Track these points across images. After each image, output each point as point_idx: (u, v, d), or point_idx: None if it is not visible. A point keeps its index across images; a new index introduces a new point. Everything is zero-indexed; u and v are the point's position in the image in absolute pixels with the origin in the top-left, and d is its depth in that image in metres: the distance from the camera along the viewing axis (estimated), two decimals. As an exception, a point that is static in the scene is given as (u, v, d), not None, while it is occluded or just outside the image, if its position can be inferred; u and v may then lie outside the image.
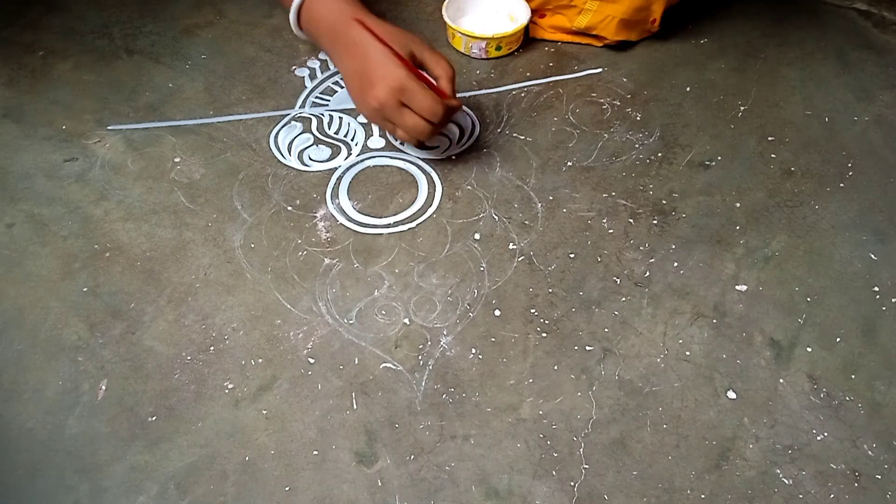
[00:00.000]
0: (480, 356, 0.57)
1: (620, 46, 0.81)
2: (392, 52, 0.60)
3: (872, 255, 0.64)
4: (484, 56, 0.80)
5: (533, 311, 0.59)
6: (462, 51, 0.80)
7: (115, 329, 0.58)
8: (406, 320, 0.59)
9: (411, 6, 0.87)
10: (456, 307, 0.59)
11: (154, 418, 0.53)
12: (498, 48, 0.79)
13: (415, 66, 0.62)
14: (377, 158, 0.71)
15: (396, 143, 0.71)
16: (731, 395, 0.55)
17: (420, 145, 0.70)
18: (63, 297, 0.59)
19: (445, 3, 0.80)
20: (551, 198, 0.67)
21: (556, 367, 0.56)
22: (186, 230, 0.64)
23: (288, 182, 0.68)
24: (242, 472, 0.50)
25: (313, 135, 0.72)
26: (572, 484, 0.50)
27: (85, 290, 0.60)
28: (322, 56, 0.80)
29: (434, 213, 0.66)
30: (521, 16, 0.79)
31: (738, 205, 0.67)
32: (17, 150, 0.70)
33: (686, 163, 0.71)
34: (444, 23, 0.79)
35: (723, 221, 0.66)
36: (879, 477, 0.51)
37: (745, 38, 0.85)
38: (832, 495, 0.50)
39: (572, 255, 0.63)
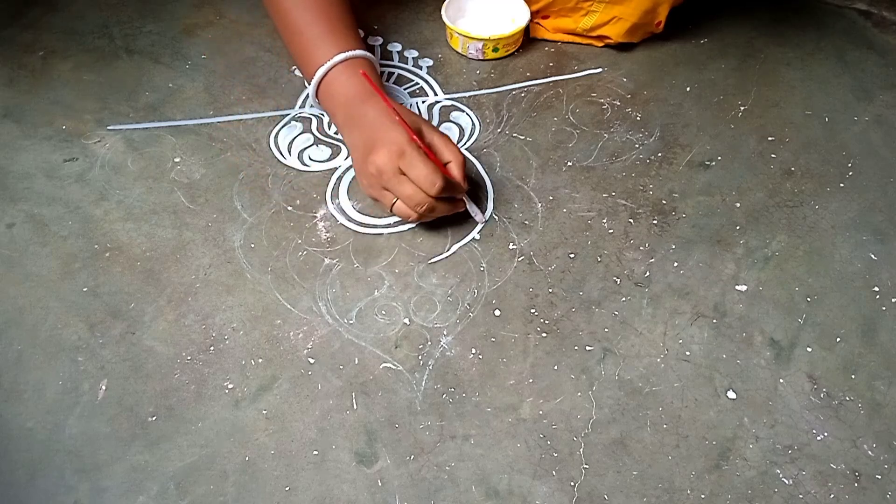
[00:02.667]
0: (480, 356, 0.57)
1: (621, 46, 0.81)
2: (400, 119, 0.59)
3: (872, 255, 0.64)
4: (481, 57, 0.80)
5: (533, 311, 0.59)
6: (459, 51, 0.81)
7: (115, 329, 0.58)
8: (406, 320, 0.59)
9: (411, 6, 0.87)
10: (456, 307, 0.59)
11: (154, 418, 0.53)
12: (495, 49, 0.79)
13: (424, 146, 0.59)
14: (377, 158, 0.70)
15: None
16: (731, 395, 0.55)
17: (421, 223, 0.64)
18: (63, 297, 0.59)
19: (445, 4, 0.80)
20: (551, 198, 0.67)
21: (556, 367, 0.56)
22: (186, 230, 0.64)
23: (288, 182, 0.68)
24: (242, 472, 0.50)
25: (313, 135, 0.72)
26: (572, 484, 0.50)
27: (85, 290, 0.60)
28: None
29: (434, 213, 0.66)
30: (521, 18, 0.79)
31: (738, 205, 0.67)
32: (17, 150, 0.70)
33: (686, 163, 0.71)
34: (444, 23, 0.79)
35: (723, 221, 0.66)
36: (879, 477, 0.51)
37: (745, 38, 0.85)
38: (832, 495, 0.50)
39: (572, 255, 0.63)
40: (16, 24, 0.83)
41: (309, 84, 0.66)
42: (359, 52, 0.65)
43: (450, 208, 0.62)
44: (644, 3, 0.76)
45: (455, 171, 0.60)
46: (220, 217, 0.65)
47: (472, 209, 0.64)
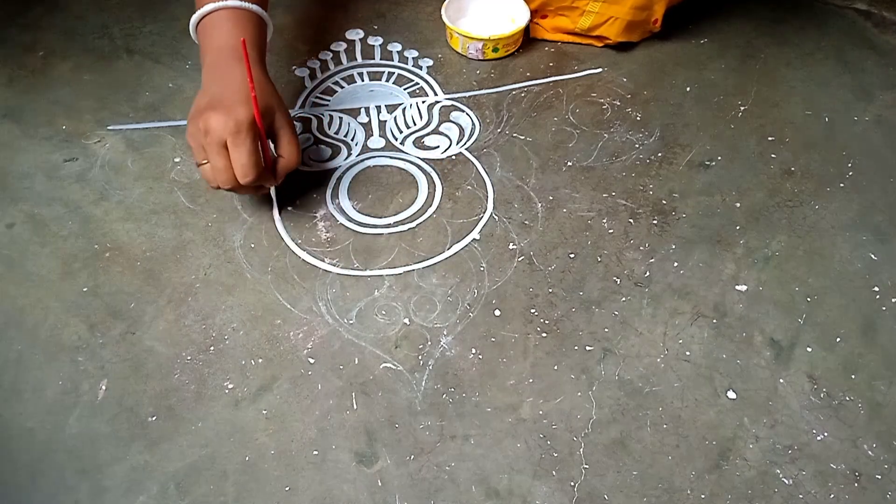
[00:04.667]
0: (480, 356, 0.57)
1: (620, 46, 0.81)
2: (254, 100, 0.55)
3: (872, 255, 0.64)
4: (481, 57, 0.80)
5: (533, 311, 0.59)
6: (459, 51, 0.81)
7: (115, 329, 0.58)
8: (406, 320, 0.59)
9: (411, 6, 0.87)
10: (456, 307, 0.59)
11: (154, 418, 0.53)
12: (495, 49, 0.79)
13: (266, 132, 0.58)
14: (377, 158, 0.71)
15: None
16: (731, 395, 0.55)
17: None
18: (63, 297, 0.59)
19: (445, 4, 0.80)
20: (551, 198, 0.67)
21: (556, 367, 0.56)
22: (186, 230, 0.64)
23: (288, 182, 0.68)
24: (242, 472, 0.50)
25: (313, 135, 0.72)
26: (572, 484, 0.50)
27: (85, 290, 0.60)
28: (322, 56, 0.80)
29: (434, 213, 0.66)
30: (521, 18, 0.79)
31: (738, 205, 0.67)
32: (17, 150, 0.70)
33: (686, 163, 0.71)
34: (444, 23, 0.79)
35: (723, 221, 0.66)
36: (879, 477, 0.51)
37: (745, 38, 0.85)
38: (832, 495, 0.50)
39: (572, 255, 0.63)
40: (16, 24, 0.83)
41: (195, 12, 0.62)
42: (255, 7, 0.62)
43: (252, 191, 0.61)
44: (638, 1, 0.76)
45: (280, 167, 0.60)
46: (220, 217, 0.65)
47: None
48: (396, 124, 0.74)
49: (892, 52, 0.83)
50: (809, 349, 0.58)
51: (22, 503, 0.49)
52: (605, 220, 0.66)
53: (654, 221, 0.66)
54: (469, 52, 0.80)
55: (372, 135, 0.73)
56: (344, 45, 0.82)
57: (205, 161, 0.57)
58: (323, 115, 0.74)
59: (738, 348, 0.57)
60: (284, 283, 0.60)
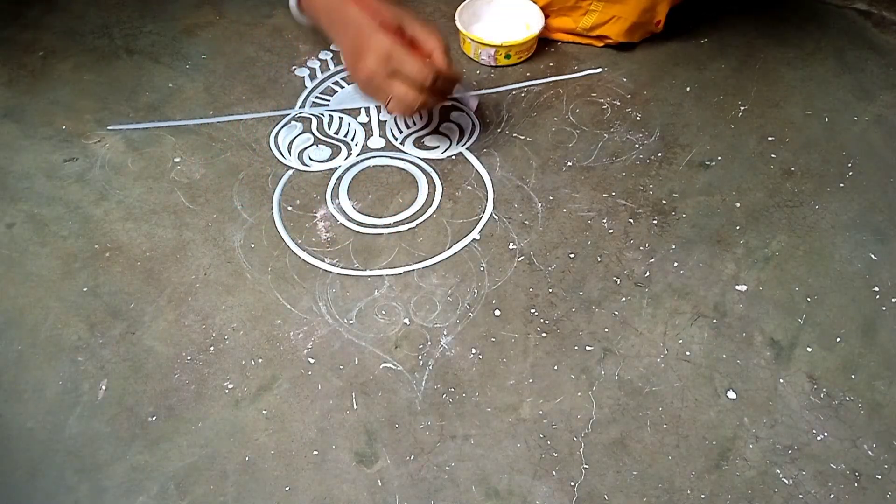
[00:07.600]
0: (480, 356, 0.57)
1: (621, 46, 0.81)
2: (379, 23, 0.60)
3: (872, 255, 0.64)
4: (493, 63, 0.79)
5: (533, 311, 0.59)
6: (472, 57, 0.80)
7: (115, 329, 0.58)
8: (406, 320, 0.59)
9: (411, 6, 0.87)
10: (456, 307, 0.59)
11: (154, 418, 0.53)
12: (507, 56, 0.78)
13: (406, 41, 0.62)
14: (377, 158, 0.71)
15: (392, 125, 0.69)
16: (731, 395, 0.55)
17: (418, 122, 0.68)
18: (63, 297, 0.59)
19: (459, 9, 0.79)
20: (551, 198, 0.67)
21: (556, 367, 0.56)
22: (186, 230, 0.64)
23: (288, 182, 0.68)
24: (242, 472, 0.50)
25: (313, 135, 0.72)
26: (572, 484, 0.50)
27: (85, 290, 0.60)
28: (322, 56, 0.81)
29: (434, 213, 0.66)
30: (536, 24, 0.79)
31: (738, 205, 0.67)
32: (17, 150, 0.70)
33: (686, 163, 0.71)
34: (456, 28, 0.79)
35: (723, 221, 0.66)
36: (879, 477, 0.51)
37: (745, 38, 0.85)
38: (832, 495, 0.50)
39: (572, 255, 0.63)
40: (16, 24, 0.83)
41: None
42: None
43: (440, 99, 0.65)
44: (642, 2, 0.76)
45: (439, 57, 0.62)
46: (220, 217, 0.65)
47: (462, 95, 0.67)
48: (396, 124, 0.74)
49: (892, 52, 0.83)
50: (809, 349, 0.58)
51: (22, 503, 0.49)
52: (605, 220, 0.66)
53: (654, 221, 0.66)
54: (481, 58, 0.79)
55: (372, 135, 0.73)
56: (344, 45, 0.82)
57: (389, 98, 0.61)
58: (323, 115, 0.74)
59: (738, 348, 0.57)
60: (284, 283, 0.61)
